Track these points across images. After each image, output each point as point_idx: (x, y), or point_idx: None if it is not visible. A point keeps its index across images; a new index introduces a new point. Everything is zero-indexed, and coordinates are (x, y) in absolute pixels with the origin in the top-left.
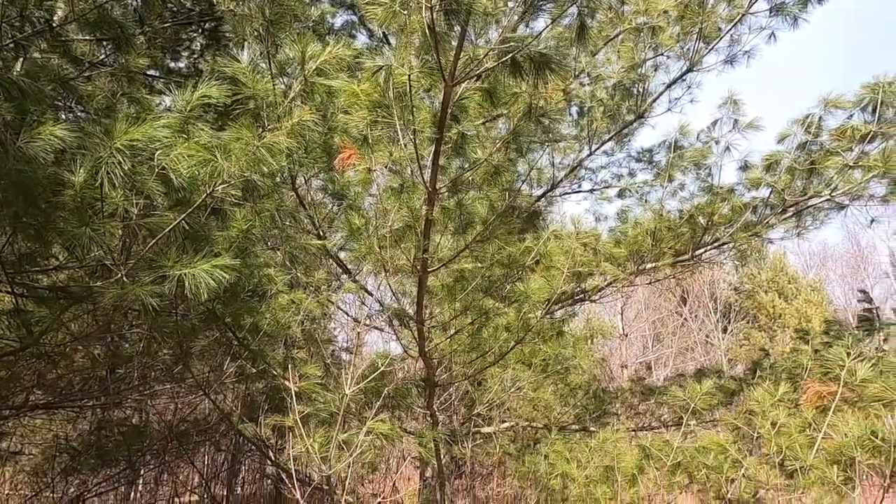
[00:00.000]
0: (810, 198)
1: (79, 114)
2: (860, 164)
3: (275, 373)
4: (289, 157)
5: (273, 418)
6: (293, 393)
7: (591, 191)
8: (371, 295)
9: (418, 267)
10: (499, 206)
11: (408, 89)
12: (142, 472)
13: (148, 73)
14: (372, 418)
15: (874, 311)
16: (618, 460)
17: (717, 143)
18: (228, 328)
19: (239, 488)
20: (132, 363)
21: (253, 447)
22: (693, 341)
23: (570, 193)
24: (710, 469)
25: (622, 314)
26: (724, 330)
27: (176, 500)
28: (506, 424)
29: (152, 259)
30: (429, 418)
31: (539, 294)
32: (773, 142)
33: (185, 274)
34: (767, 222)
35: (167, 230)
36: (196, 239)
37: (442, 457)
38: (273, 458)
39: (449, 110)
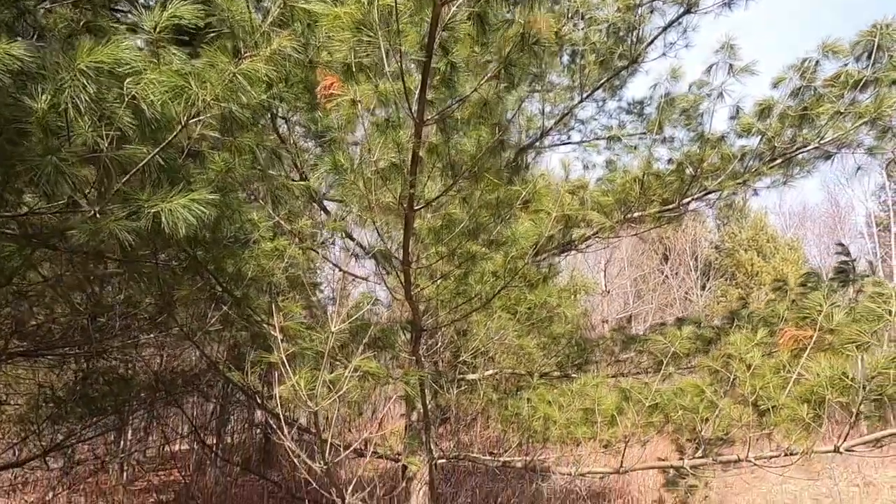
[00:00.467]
0: (799, 147)
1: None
2: (851, 110)
3: (259, 318)
4: (268, 90)
5: (258, 356)
6: (277, 332)
7: (581, 143)
8: (353, 240)
9: (404, 205)
10: (488, 142)
11: (394, 9)
12: (130, 420)
13: (116, 6)
14: (358, 356)
15: (850, 264)
16: (598, 402)
17: (710, 91)
18: (211, 274)
19: (228, 437)
20: (114, 312)
21: (241, 397)
22: (673, 297)
23: (558, 145)
24: (687, 410)
25: (605, 271)
26: (703, 287)
27: (165, 447)
28: (490, 372)
29: (126, 193)
30: (414, 363)
31: (527, 237)
32: (767, 88)
33: (161, 209)
34: (756, 170)
35: (141, 165)
36: (173, 175)
37: (427, 402)
38: (260, 402)
39: (438, 33)
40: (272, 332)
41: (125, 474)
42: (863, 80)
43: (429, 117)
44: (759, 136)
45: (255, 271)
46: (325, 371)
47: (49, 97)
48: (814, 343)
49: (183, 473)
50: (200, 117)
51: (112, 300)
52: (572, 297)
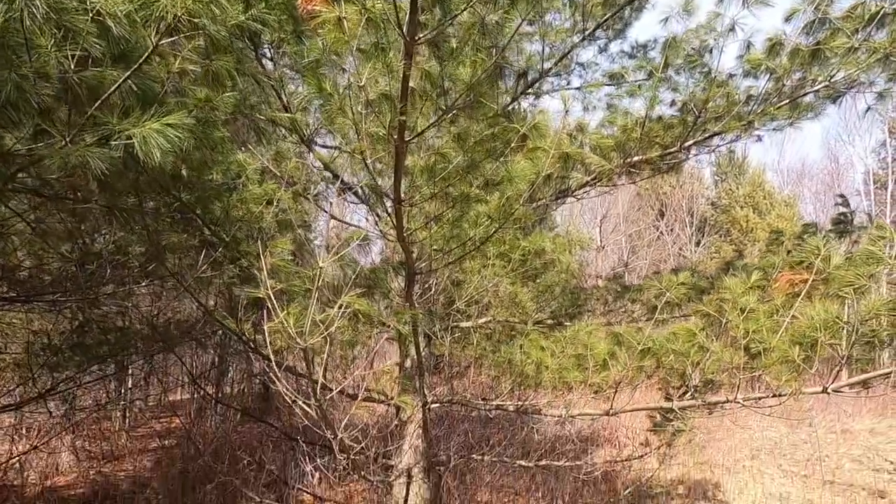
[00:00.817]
0: (809, 84)
1: None
2: (865, 45)
3: (249, 263)
4: (247, 10)
5: (248, 293)
6: (265, 268)
7: (581, 88)
8: (344, 183)
9: (395, 137)
10: (485, 68)
11: None
12: (130, 370)
13: None
14: (347, 294)
15: (849, 216)
16: (590, 348)
17: (720, 24)
18: (198, 218)
19: (228, 387)
20: (104, 259)
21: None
22: (667, 253)
23: (557, 90)
24: (678, 354)
25: (601, 227)
26: (698, 244)
27: (166, 396)
28: (484, 320)
29: (96, 117)
30: (408, 307)
31: (522, 177)
32: (780, 23)
33: (133, 133)
34: (762, 110)
35: (113, 89)
36: (147, 102)
37: (421, 348)
38: (253, 346)
39: None
40: (261, 274)
41: (127, 421)
42: (880, 13)
43: (421, 36)
44: (768, 75)
45: (244, 215)
46: (314, 308)
47: (3, 6)
48: (809, 287)
49: (184, 420)
50: (173, 37)
51: (101, 248)
52: (568, 251)
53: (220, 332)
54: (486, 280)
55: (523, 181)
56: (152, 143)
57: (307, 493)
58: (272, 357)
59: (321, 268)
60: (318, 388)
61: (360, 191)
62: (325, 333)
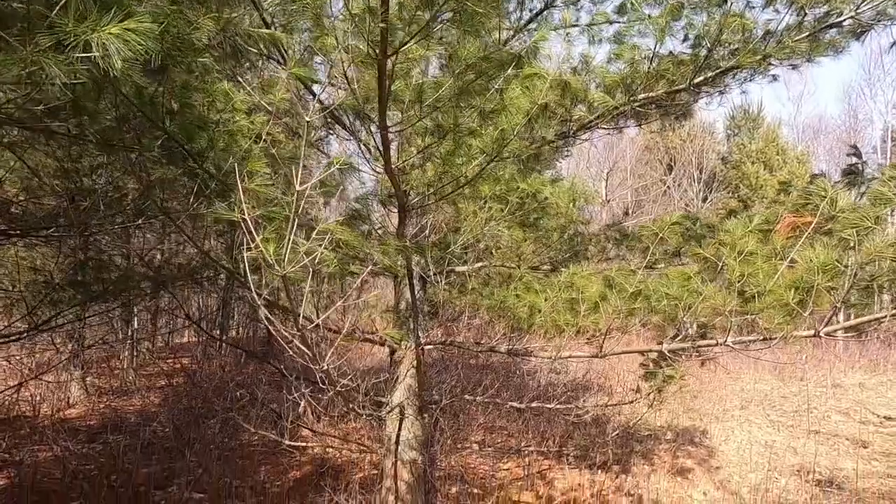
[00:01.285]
0: (834, 16)
1: None
2: None
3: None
4: None
5: (218, 211)
6: (239, 188)
7: (590, 25)
8: (313, 92)
9: (377, 51)
10: None
11: None
12: (136, 311)
13: None
14: (326, 221)
15: (860, 165)
16: (582, 290)
17: None
18: (182, 147)
19: (233, 331)
20: (97, 195)
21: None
22: (673, 208)
23: (563, 28)
24: (670, 297)
25: (607, 181)
26: (705, 199)
27: (171, 337)
28: (479, 265)
29: (53, 23)
30: (401, 245)
31: (517, 106)
32: None
33: (90, 39)
34: (780, 41)
35: None
36: (105, 4)
37: (416, 291)
38: (249, 286)
39: None
40: (236, 195)
41: (135, 360)
42: None
43: None
44: (789, 6)
45: (230, 145)
46: (292, 234)
47: None
48: (813, 230)
49: (189, 361)
50: None
51: (95, 185)
52: (569, 198)
53: (224, 275)
54: (482, 224)
55: (518, 112)
56: (112, 50)
57: (306, 428)
58: (251, 286)
59: (298, 191)
60: (300, 318)
61: (347, 119)
62: (306, 262)
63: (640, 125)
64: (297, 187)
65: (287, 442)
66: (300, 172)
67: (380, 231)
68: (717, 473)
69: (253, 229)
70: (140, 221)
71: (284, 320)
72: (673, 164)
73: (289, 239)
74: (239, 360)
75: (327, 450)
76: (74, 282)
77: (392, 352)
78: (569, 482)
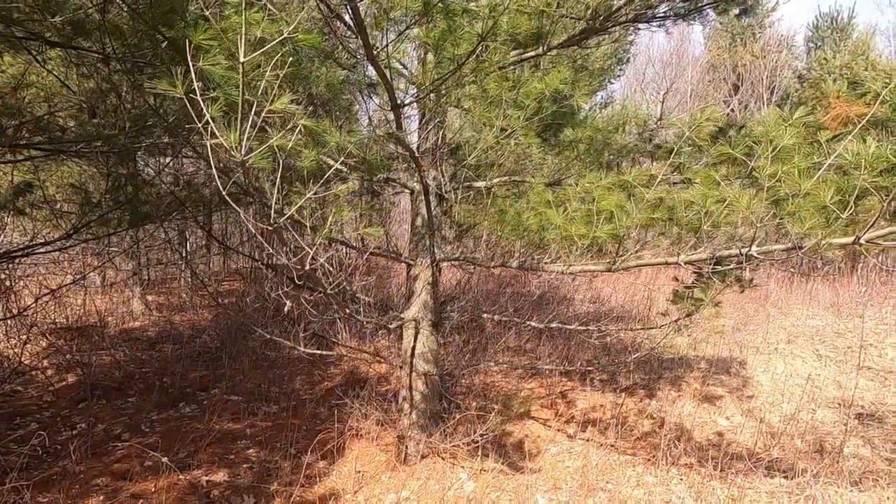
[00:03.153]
0: None
1: None
2: None
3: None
4: None
5: (157, 84)
6: (190, 68)
7: None
8: None
9: None
10: None
11: None
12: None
13: None
14: (274, 101)
15: None
16: (598, 200)
17: None
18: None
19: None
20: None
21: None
22: None
23: None
24: (693, 204)
25: (663, 102)
26: None
27: (226, 260)
28: (497, 179)
29: None
30: (398, 147)
31: None
32: None
33: None
34: None
35: None
36: None
37: (432, 207)
38: (214, 174)
39: None
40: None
41: (191, 281)
42: None
43: None
44: None
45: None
46: (246, 121)
47: None
48: (867, 122)
49: (241, 283)
50: None
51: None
52: (620, 129)
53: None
54: (496, 132)
55: None
56: None
57: (340, 345)
58: (215, 170)
59: (243, 63)
60: (272, 213)
61: None
62: (268, 148)
63: (687, 19)
64: (242, 58)
65: (308, 351)
66: (244, 42)
67: (356, 121)
68: (749, 402)
69: (206, 111)
70: (166, 139)
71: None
72: (740, 83)
73: (240, 121)
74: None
75: (358, 365)
76: (116, 200)
77: (408, 269)
78: (590, 402)
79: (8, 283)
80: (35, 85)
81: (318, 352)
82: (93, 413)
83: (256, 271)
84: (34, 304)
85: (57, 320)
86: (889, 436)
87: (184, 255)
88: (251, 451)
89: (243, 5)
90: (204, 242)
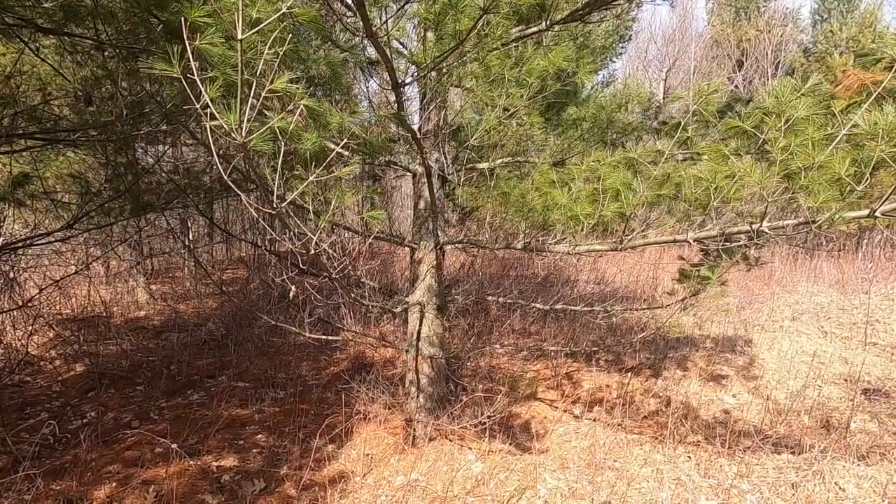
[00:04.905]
0: None
1: None
2: None
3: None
4: None
5: (153, 65)
6: (187, 48)
7: None
8: None
9: None
10: None
11: None
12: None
13: None
14: (274, 81)
15: None
16: (603, 178)
17: None
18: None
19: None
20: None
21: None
22: None
23: None
24: (701, 179)
25: (665, 80)
26: None
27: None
28: (501, 160)
29: None
30: (399, 129)
31: None
32: None
33: None
34: None
35: None
36: None
37: (435, 189)
38: (214, 158)
39: None
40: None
41: (195, 269)
42: None
43: None
44: None
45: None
46: (246, 102)
47: None
48: (883, 90)
49: (245, 271)
50: None
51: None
52: (622, 108)
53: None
54: (499, 112)
55: None
56: None
57: (346, 330)
58: (218, 162)
59: (241, 40)
60: (274, 197)
61: None
62: (268, 130)
63: None
64: (240, 35)
65: (314, 336)
66: (241, 17)
67: (357, 102)
68: (755, 381)
69: (204, 92)
70: (164, 127)
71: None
72: (745, 59)
73: (239, 102)
74: (290, 269)
75: (364, 350)
76: (116, 189)
77: (412, 252)
78: (596, 383)
79: (11, 275)
80: (28, 73)
81: (324, 337)
82: (102, 402)
83: (260, 258)
84: (38, 295)
85: (62, 311)
86: (895, 411)
87: (186, 243)
88: (260, 436)
89: None
90: (206, 231)
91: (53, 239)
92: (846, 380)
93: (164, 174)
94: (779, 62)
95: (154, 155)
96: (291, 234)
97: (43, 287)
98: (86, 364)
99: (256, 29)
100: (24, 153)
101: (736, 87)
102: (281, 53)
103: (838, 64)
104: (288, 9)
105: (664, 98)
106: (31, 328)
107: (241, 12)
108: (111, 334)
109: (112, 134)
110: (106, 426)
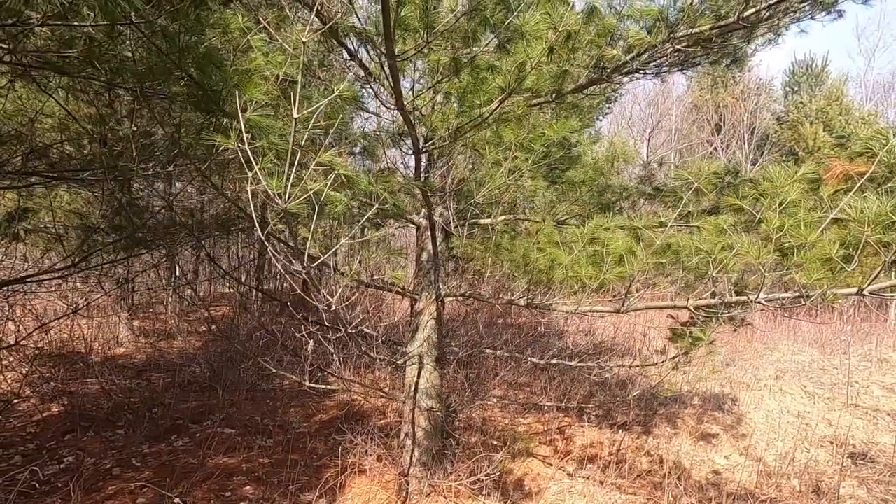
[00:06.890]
0: None
1: None
2: None
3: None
4: None
5: (213, 137)
6: (238, 111)
7: None
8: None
9: None
10: None
11: None
12: (178, 260)
13: None
14: (323, 154)
15: None
16: (607, 243)
17: None
18: (193, 80)
19: (269, 283)
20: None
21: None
22: None
23: None
24: (701, 251)
25: (649, 140)
26: (754, 163)
27: (212, 286)
28: (503, 217)
29: None
30: (416, 191)
31: (535, 33)
32: None
33: None
34: None
35: None
36: None
37: (437, 242)
38: (254, 221)
39: None
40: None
41: (178, 307)
42: None
43: None
44: None
45: (241, 81)
46: (293, 167)
47: None
48: (867, 180)
49: (229, 309)
50: None
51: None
52: (610, 164)
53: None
54: (505, 174)
55: (538, 41)
56: None
57: (333, 376)
58: (255, 220)
59: (295, 118)
60: (306, 257)
61: (350, 44)
62: (307, 195)
63: (684, 70)
64: (295, 114)
65: (313, 385)
66: (297, 98)
67: (393, 174)
68: (744, 440)
69: (252, 160)
70: (170, 168)
71: (292, 256)
72: (722, 123)
73: (288, 171)
74: (275, 310)
75: (353, 397)
76: (115, 226)
77: (413, 302)
78: (588, 439)
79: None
80: (39, 111)
81: (323, 386)
82: (80, 445)
83: (245, 297)
84: (33, 333)
85: (38, 345)
86: (882, 476)
87: (172, 280)
88: (248, 487)
89: (300, 67)
90: (192, 267)
91: (54, 276)
92: (832, 442)
93: (162, 211)
94: (754, 128)
95: (150, 191)
96: (315, 290)
97: (30, 332)
98: (63, 404)
99: (312, 109)
100: (22, 189)
101: (715, 149)
102: (332, 129)
103: (809, 132)
104: (337, 91)
105: (647, 156)
106: (4, 363)
107: (297, 93)
108: (91, 372)
109: (121, 173)
110: (85, 472)
